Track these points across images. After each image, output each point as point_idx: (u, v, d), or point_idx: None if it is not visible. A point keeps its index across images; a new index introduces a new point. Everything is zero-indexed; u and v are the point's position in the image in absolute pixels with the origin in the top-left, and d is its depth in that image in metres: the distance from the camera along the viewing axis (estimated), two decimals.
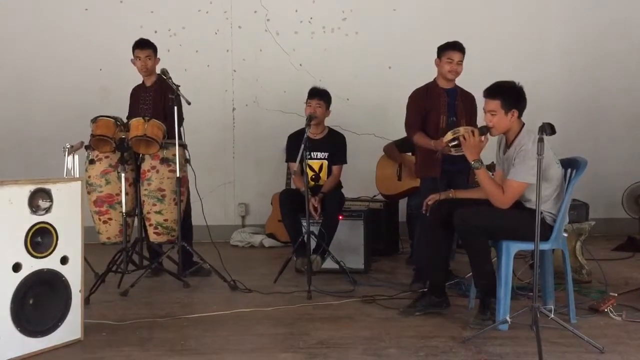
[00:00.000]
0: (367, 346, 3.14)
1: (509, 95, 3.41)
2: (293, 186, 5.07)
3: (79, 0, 6.47)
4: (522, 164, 3.31)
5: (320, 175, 4.85)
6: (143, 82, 4.95)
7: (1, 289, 2.89)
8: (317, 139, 4.82)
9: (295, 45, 6.53)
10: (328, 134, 4.84)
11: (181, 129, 4.41)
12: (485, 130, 3.47)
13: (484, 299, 3.47)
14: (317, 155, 4.79)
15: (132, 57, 4.85)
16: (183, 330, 3.45)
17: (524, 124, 3.47)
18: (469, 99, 4.41)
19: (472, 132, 3.44)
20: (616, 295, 3.67)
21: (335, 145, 4.84)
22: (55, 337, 3.12)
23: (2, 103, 6.48)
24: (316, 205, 4.58)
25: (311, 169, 4.78)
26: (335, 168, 4.88)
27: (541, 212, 3.25)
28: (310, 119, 4.53)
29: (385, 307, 3.83)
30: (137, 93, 4.99)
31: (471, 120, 4.37)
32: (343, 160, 4.90)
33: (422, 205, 3.78)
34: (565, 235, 3.51)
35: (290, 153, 4.91)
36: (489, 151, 4.23)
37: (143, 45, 4.84)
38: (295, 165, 4.84)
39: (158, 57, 4.91)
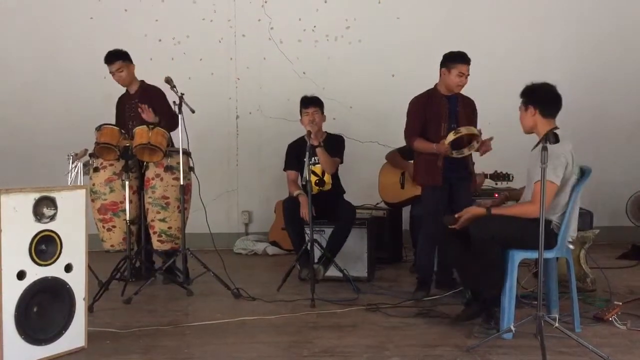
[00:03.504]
0: (370, 354, 3.14)
1: (527, 93, 3.55)
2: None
3: (84, 9, 6.51)
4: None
5: (325, 179, 4.85)
6: (127, 90, 4.98)
7: (6, 297, 2.90)
8: (317, 145, 4.81)
9: (298, 53, 6.55)
10: (327, 138, 4.85)
11: (185, 136, 4.43)
12: (451, 220, 3.51)
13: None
14: (318, 160, 4.79)
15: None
16: (186, 338, 3.45)
17: (556, 127, 3.47)
18: (469, 104, 4.41)
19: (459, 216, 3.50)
20: (621, 304, 3.65)
21: (333, 146, 4.83)
22: (59, 345, 3.12)
23: (7, 111, 6.50)
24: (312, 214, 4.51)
25: (315, 174, 4.78)
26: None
27: (551, 222, 3.26)
28: (310, 134, 4.52)
29: (389, 315, 3.83)
30: (123, 102, 5.02)
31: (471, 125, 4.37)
32: (338, 155, 4.83)
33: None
34: (572, 247, 3.49)
35: (289, 162, 4.92)
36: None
37: (111, 60, 4.80)
38: (293, 174, 4.87)
39: (133, 64, 4.87)
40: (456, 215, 3.53)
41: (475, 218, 3.45)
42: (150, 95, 4.81)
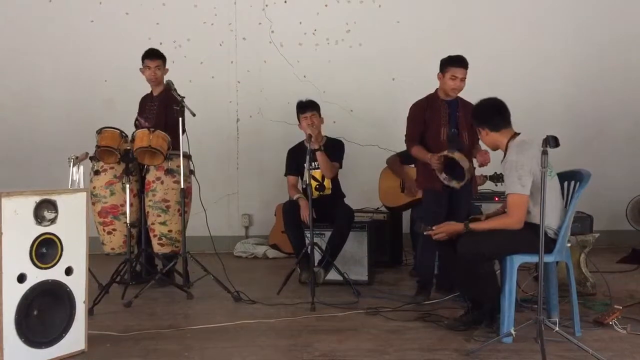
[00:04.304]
0: (370, 358, 3.14)
1: (475, 116, 3.62)
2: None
3: (85, 12, 6.52)
4: (509, 176, 3.35)
5: (324, 183, 4.85)
6: (151, 91, 4.99)
7: (6, 300, 2.90)
8: (317, 148, 4.81)
9: (299, 56, 6.56)
10: (327, 142, 4.85)
11: (185, 139, 4.44)
12: (425, 229, 3.58)
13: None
14: (318, 165, 4.79)
15: (142, 66, 4.88)
16: (186, 342, 3.45)
17: (515, 134, 3.47)
18: (470, 109, 4.39)
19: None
20: (621, 308, 3.66)
21: (333, 150, 4.83)
22: (59, 348, 3.12)
23: (8, 113, 6.51)
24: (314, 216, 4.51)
25: (315, 179, 4.79)
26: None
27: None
28: (310, 137, 4.53)
29: (389, 318, 3.83)
30: (144, 102, 5.03)
31: (472, 131, 4.37)
32: (337, 160, 4.83)
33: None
34: (569, 245, 3.50)
35: (289, 167, 4.93)
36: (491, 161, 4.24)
37: (153, 56, 4.87)
38: (293, 179, 4.88)
39: (167, 67, 4.95)
40: (434, 228, 3.53)
41: (454, 234, 3.45)
42: (170, 102, 4.77)
